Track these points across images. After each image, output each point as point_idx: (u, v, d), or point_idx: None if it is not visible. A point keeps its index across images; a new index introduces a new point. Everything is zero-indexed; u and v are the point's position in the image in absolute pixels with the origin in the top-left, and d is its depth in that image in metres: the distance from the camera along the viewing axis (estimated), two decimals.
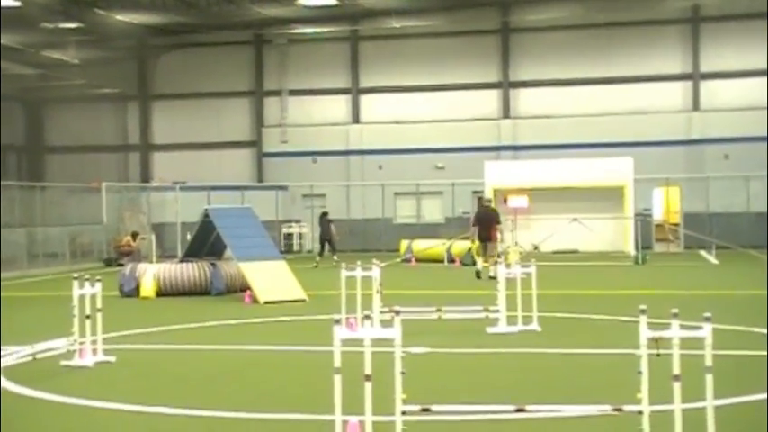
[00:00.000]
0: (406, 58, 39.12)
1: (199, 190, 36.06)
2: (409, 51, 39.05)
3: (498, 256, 23.79)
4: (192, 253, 20.18)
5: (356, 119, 39.80)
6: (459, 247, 29.04)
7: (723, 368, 7.46)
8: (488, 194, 32.85)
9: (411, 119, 39.01)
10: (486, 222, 22.22)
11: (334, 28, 38.49)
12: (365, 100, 39.88)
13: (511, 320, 12.65)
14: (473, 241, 23.05)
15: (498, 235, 22.67)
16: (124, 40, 38.56)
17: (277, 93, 40.47)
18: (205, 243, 20.11)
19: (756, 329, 12.45)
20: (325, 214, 30.22)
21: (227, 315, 15.40)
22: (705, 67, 36.83)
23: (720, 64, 36.65)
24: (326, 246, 29.50)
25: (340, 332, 5.97)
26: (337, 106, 40.08)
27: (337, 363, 5.92)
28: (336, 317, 6.23)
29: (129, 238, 30.80)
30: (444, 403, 6.96)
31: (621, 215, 32.21)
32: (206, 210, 20.11)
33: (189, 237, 21.08)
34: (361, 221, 37.96)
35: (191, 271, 19.35)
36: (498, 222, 22.46)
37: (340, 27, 38.54)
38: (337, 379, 5.93)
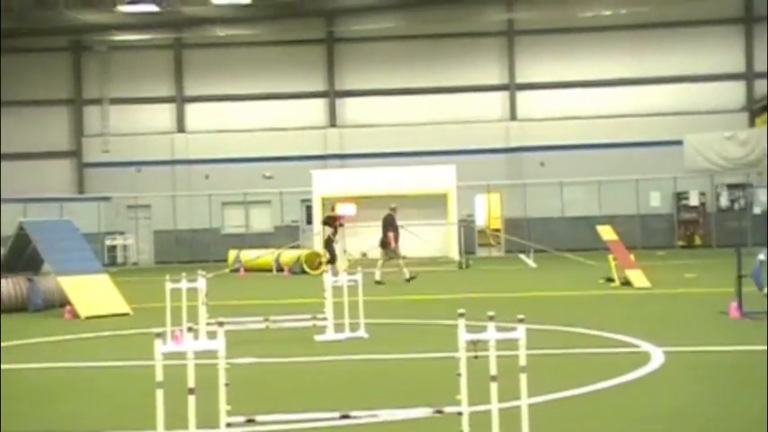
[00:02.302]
0: (231, 67, 38.79)
1: (15, 202, 34.36)
2: (235, 60, 38.75)
3: (327, 263, 23.98)
4: (7, 268, 19.29)
5: (181, 128, 39.09)
6: (288, 255, 29.06)
7: (538, 367, 7.83)
8: (318, 202, 33.05)
9: (238, 128, 38.70)
10: (383, 229, 23.16)
11: (157, 35, 37.68)
12: (190, 109, 39.24)
13: (338, 328, 12.79)
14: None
15: (392, 242, 23.13)
16: None
17: (98, 101, 39.18)
18: (21, 257, 19.29)
19: (569, 329, 13.12)
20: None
21: (46, 332, 14.78)
22: (520, 78, 38.47)
23: (534, 75, 38.39)
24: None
25: (161, 346, 5.88)
26: (162, 115, 39.24)
27: (159, 377, 5.83)
28: (158, 330, 6.12)
29: None
30: (270, 413, 6.96)
31: (446, 221, 33.13)
32: (20, 222, 19.33)
33: (3, 251, 20.10)
34: (188, 232, 37.34)
35: (6, 287, 18.50)
36: (387, 229, 23.10)
37: (163, 35, 37.76)
38: (159, 393, 5.84)
